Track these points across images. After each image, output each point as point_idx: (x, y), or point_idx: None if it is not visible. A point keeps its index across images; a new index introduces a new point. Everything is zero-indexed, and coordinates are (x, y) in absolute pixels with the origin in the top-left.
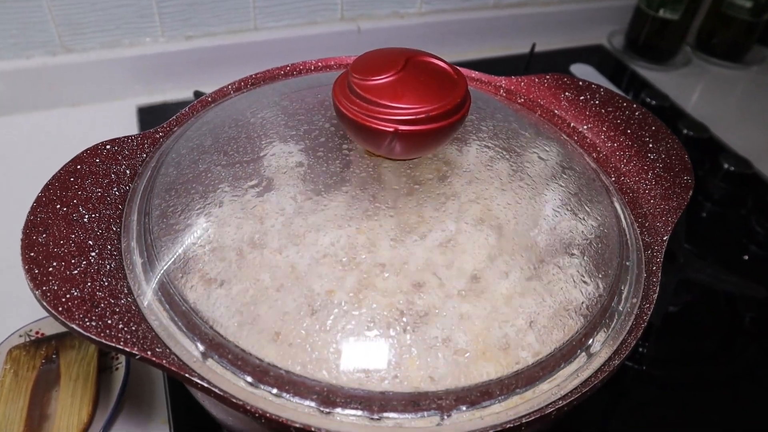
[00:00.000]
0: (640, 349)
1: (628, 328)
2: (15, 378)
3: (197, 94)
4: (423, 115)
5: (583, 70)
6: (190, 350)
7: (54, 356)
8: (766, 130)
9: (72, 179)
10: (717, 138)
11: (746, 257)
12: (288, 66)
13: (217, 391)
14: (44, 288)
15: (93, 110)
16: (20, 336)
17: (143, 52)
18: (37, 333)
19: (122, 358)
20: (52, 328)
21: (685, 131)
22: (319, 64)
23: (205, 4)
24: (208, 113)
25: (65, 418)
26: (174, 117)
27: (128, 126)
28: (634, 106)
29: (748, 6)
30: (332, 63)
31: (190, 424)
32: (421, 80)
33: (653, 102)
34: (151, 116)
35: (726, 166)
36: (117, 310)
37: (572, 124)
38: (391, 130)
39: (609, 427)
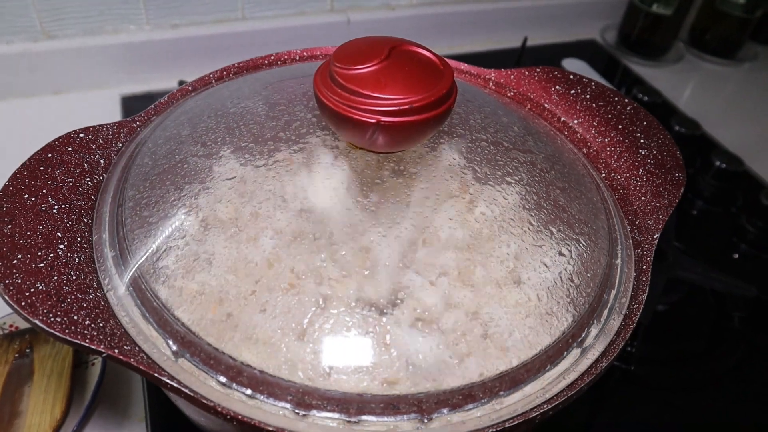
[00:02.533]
0: (629, 349)
1: (616, 328)
2: None
3: (182, 84)
4: (407, 106)
5: (575, 65)
6: (161, 348)
7: (28, 351)
8: (758, 127)
9: (42, 168)
10: (709, 135)
11: (736, 256)
12: (272, 55)
13: (187, 391)
14: (7, 281)
15: (75, 98)
16: None
17: (127, 40)
18: (11, 327)
19: None
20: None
21: (676, 128)
22: (305, 54)
23: None
24: (187, 102)
25: (37, 414)
26: (152, 106)
27: (111, 115)
28: (626, 100)
29: (741, 2)
30: (318, 53)
31: (167, 421)
32: (406, 70)
33: (645, 98)
34: (135, 105)
35: (717, 163)
36: (84, 305)
37: (562, 119)
38: (373, 121)
39: (595, 427)
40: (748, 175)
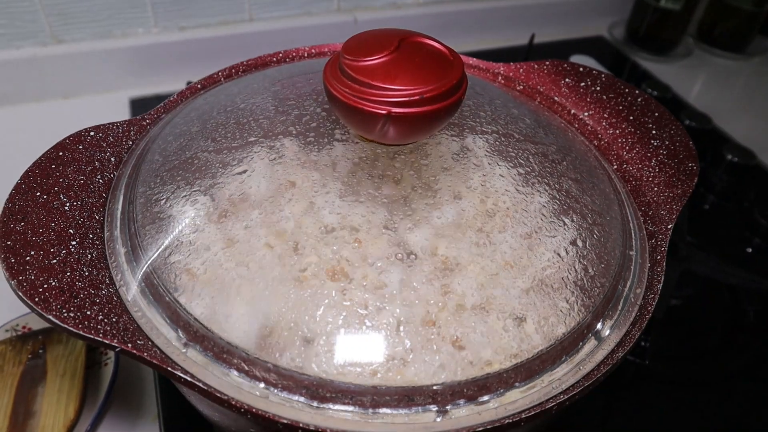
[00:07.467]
0: (643, 343)
1: (632, 319)
2: (0, 374)
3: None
4: (417, 97)
5: (583, 61)
6: (173, 343)
7: (41, 351)
8: None
9: (53, 166)
10: (719, 129)
11: (749, 250)
12: (280, 52)
13: (201, 385)
14: (20, 278)
15: (84, 102)
16: (6, 331)
17: (136, 43)
18: (23, 328)
19: (111, 354)
20: (39, 322)
21: (687, 122)
22: (313, 50)
23: None
24: (196, 100)
25: (51, 414)
26: (162, 104)
27: (120, 117)
28: (637, 92)
29: None
30: (326, 50)
31: (180, 421)
32: (416, 61)
33: (655, 93)
34: (143, 108)
35: (729, 157)
36: (97, 300)
37: (573, 111)
38: (383, 112)
39: (611, 422)
40: (760, 168)
